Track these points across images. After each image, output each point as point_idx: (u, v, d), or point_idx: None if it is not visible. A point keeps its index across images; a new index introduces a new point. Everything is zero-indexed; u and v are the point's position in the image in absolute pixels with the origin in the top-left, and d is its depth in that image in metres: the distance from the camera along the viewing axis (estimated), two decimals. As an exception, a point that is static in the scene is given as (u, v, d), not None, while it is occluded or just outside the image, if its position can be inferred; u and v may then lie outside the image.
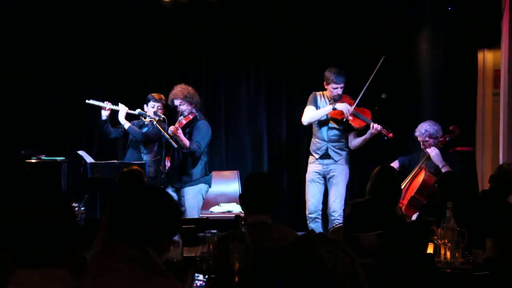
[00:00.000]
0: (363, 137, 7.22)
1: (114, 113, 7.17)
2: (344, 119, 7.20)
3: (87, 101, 7.10)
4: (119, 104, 7.14)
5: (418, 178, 6.88)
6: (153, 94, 7.22)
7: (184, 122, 6.99)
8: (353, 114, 7.20)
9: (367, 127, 7.20)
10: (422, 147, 6.94)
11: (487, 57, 8.18)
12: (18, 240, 2.43)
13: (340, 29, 8.33)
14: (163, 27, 8.44)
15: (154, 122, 7.01)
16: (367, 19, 8.19)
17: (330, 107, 7.24)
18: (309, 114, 7.34)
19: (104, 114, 7.11)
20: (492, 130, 8.09)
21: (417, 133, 6.93)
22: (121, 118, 7.13)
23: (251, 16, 8.48)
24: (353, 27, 8.27)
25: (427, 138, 6.87)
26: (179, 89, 7.08)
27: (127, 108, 7.14)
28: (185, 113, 7.03)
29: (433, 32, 8.08)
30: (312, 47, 8.40)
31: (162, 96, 7.23)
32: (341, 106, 7.20)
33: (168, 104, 7.13)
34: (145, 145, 7.21)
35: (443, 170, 6.63)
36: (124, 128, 7.16)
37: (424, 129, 6.89)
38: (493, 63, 8.17)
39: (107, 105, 7.08)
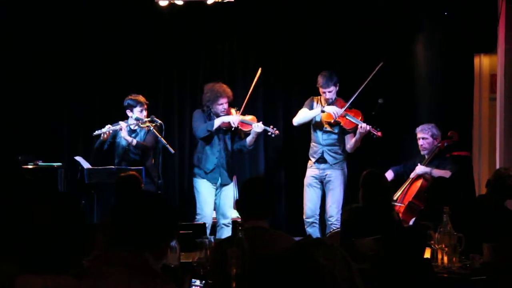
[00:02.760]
0: (354, 138, 7.23)
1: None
2: (332, 121, 7.21)
3: (93, 133, 7.11)
4: (119, 122, 7.12)
5: (416, 184, 6.90)
6: (134, 98, 7.15)
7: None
8: (344, 116, 7.21)
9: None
10: (420, 143, 6.97)
11: (483, 62, 8.20)
12: (22, 244, 2.42)
13: (338, 33, 8.34)
14: (160, 30, 8.43)
15: (151, 128, 7.00)
16: (364, 24, 8.20)
17: (319, 109, 7.27)
18: (300, 115, 7.38)
19: (104, 136, 7.09)
20: (489, 134, 8.11)
21: (419, 129, 6.99)
22: (126, 136, 7.09)
23: (248, 18, 8.48)
24: (351, 32, 8.27)
25: (427, 136, 6.91)
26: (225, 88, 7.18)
27: (126, 124, 7.13)
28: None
29: (430, 37, 8.09)
30: (309, 50, 8.40)
31: (143, 98, 7.21)
32: (329, 109, 7.22)
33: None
34: (144, 154, 7.19)
35: (433, 173, 6.74)
36: (128, 144, 7.11)
37: (427, 127, 6.97)
38: (489, 68, 8.20)
39: (110, 129, 7.06)
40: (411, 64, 8.26)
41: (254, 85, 7.40)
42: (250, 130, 7.16)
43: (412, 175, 6.96)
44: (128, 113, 7.15)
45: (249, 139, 7.17)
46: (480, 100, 8.20)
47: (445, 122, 7.37)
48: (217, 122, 7.09)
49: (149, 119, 7.07)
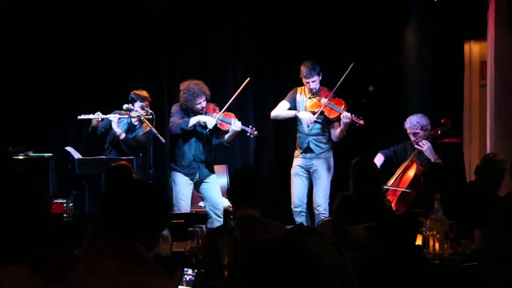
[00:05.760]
0: (339, 128, 7.20)
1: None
2: (316, 110, 7.16)
3: (79, 117, 7.08)
4: (110, 114, 7.10)
5: (409, 172, 6.86)
6: (137, 92, 7.16)
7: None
8: (327, 106, 7.17)
9: None
10: (413, 138, 6.89)
11: (473, 49, 8.20)
12: None
13: (326, 23, 8.32)
14: (151, 23, 8.41)
15: (142, 118, 6.99)
16: (353, 12, 8.18)
17: (294, 113, 7.26)
18: (277, 111, 7.41)
19: (94, 122, 7.08)
20: (479, 121, 8.12)
21: (407, 125, 6.90)
22: (116, 128, 7.08)
23: (235, 14, 8.49)
24: (339, 21, 8.26)
25: (418, 130, 6.84)
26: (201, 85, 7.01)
27: (118, 116, 7.10)
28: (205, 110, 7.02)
29: (419, 24, 8.09)
30: (297, 43, 8.39)
31: (147, 93, 7.20)
32: (303, 115, 7.19)
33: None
34: (135, 149, 7.17)
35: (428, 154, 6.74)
36: (117, 136, 7.09)
37: (415, 121, 6.86)
38: (479, 55, 8.20)
39: (99, 116, 7.04)
40: (401, 51, 8.25)
41: (240, 91, 7.24)
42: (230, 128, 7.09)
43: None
44: (130, 107, 7.14)
45: (227, 136, 7.05)
46: (470, 87, 8.21)
47: (435, 109, 7.37)
48: (193, 121, 6.94)
49: (143, 111, 7.07)
